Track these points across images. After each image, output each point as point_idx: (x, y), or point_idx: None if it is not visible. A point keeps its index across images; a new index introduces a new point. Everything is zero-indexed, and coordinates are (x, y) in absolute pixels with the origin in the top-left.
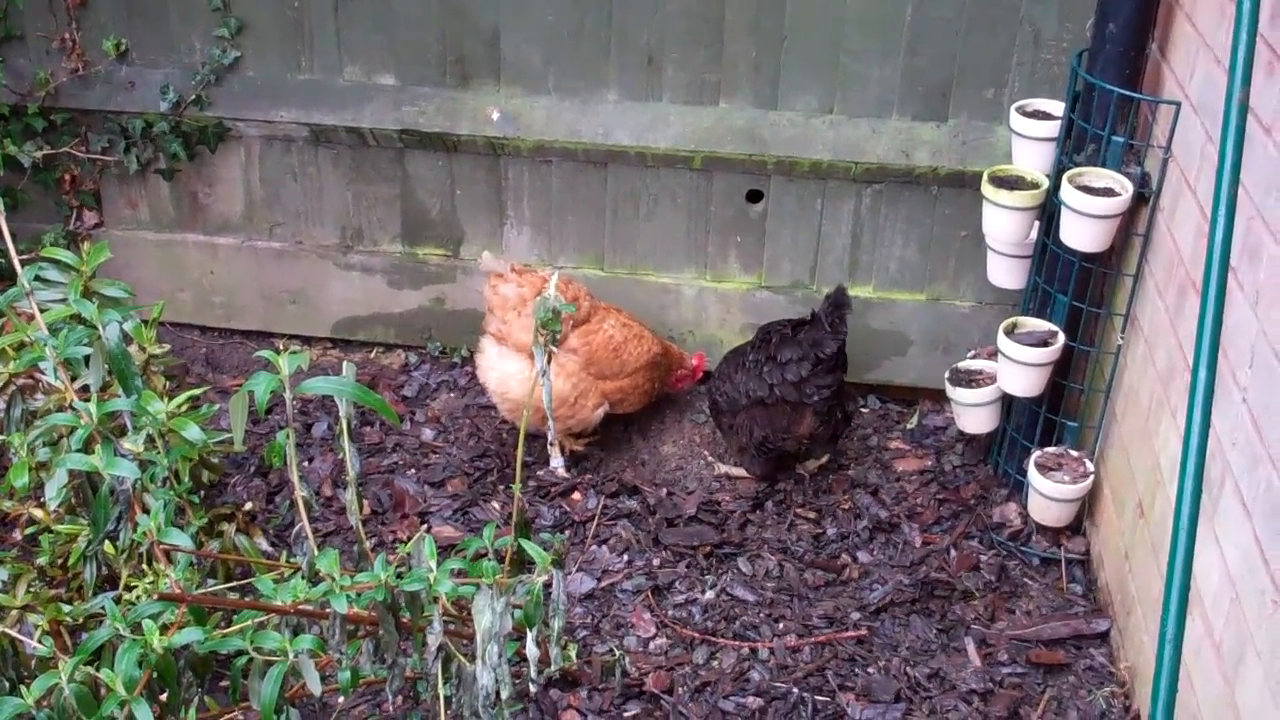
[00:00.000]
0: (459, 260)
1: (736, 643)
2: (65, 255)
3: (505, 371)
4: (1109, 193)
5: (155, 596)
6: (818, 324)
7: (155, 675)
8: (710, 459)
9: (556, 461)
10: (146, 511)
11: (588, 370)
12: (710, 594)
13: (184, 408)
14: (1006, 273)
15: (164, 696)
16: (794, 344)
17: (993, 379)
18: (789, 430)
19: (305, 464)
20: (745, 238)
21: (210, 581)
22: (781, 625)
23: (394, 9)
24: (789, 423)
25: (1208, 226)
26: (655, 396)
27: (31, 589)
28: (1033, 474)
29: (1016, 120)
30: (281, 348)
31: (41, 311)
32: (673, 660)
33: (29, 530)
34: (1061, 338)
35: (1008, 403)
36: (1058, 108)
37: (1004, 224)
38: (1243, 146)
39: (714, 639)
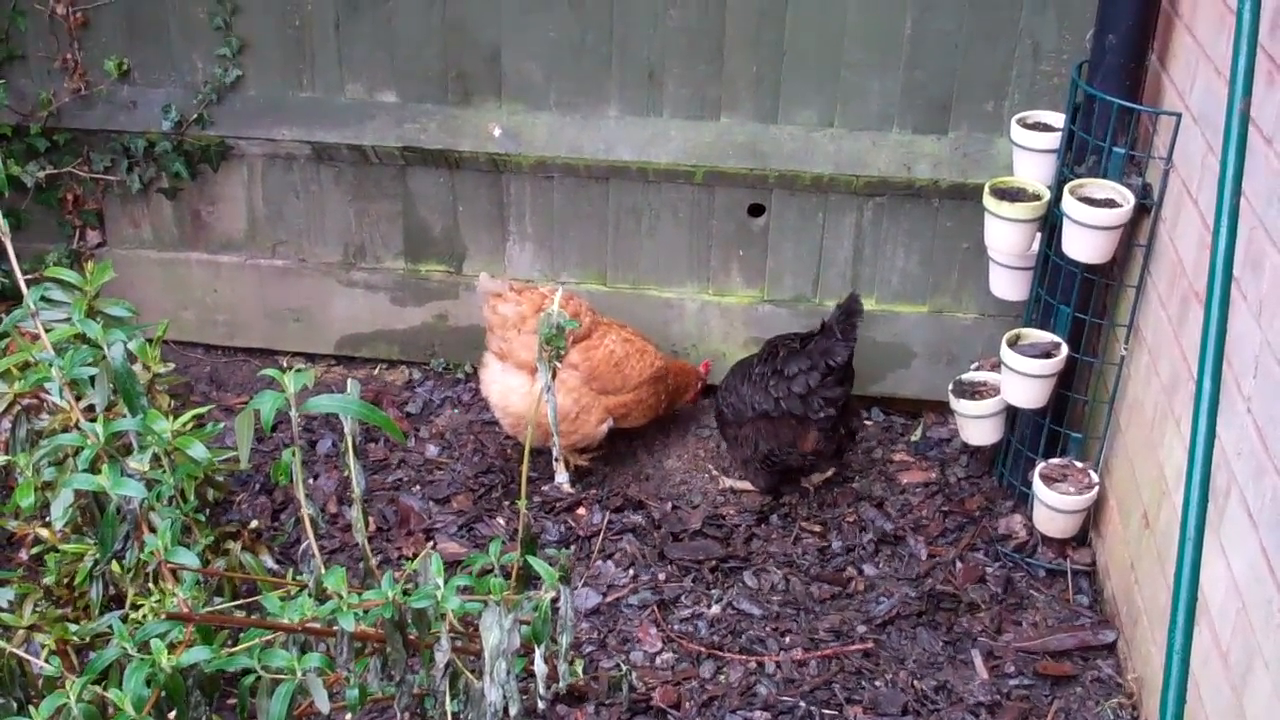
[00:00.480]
0: (462, 276)
1: (743, 657)
2: (69, 275)
3: (507, 386)
4: (1110, 204)
5: (163, 615)
6: (828, 333)
7: (163, 694)
8: (715, 473)
9: (561, 477)
10: (153, 530)
11: (589, 385)
12: (716, 608)
13: (189, 426)
14: (1009, 284)
15: (172, 715)
16: (803, 355)
17: (996, 391)
18: (794, 445)
19: (310, 481)
20: (747, 252)
21: (217, 600)
22: (788, 639)
23: (395, 27)
24: (794, 437)
25: (1210, 237)
26: (663, 411)
27: (38, 609)
28: (1038, 485)
29: (1017, 132)
30: (285, 365)
31: (46, 331)
32: (679, 675)
33: (35, 550)
34: (1065, 349)
35: (1012, 414)
36: (1058, 119)
37: (1006, 236)
38: (1244, 157)
39: (720, 653)
